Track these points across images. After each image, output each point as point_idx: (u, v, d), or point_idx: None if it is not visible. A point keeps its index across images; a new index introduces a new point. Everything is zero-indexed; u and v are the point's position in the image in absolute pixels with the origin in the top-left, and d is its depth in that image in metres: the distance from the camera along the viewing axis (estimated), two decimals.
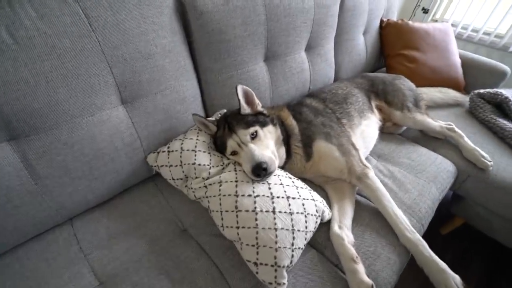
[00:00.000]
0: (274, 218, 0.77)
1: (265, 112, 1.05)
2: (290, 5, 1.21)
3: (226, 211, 0.82)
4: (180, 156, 0.95)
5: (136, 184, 1.08)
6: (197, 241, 0.90)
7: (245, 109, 1.00)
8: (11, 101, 0.69)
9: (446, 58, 1.86)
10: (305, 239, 0.81)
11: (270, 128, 1.01)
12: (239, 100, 0.97)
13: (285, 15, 1.20)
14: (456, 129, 1.40)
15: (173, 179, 0.98)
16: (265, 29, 1.17)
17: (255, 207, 0.79)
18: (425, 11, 2.68)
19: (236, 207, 0.80)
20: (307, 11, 1.30)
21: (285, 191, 0.85)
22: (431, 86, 1.77)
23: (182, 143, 0.98)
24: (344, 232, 0.91)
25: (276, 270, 0.73)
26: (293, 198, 0.84)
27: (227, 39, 1.07)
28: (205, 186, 0.90)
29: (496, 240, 1.42)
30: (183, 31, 1.01)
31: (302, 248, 0.80)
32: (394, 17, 2.11)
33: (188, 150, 0.96)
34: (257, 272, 0.75)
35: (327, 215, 0.92)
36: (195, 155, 0.95)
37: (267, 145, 0.95)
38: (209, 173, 0.92)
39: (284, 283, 0.73)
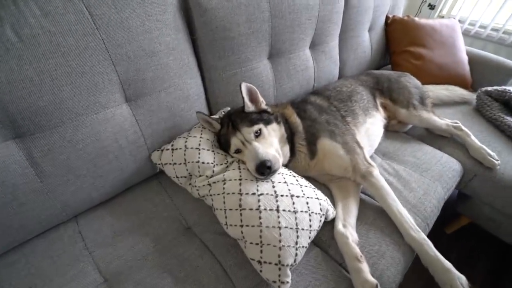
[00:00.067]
0: (278, 217, 0.77)
1: (269, 110, 1.05)
2: (295, 1, 1.20)
3: (230, 209, 0.82)
4: (184, 154, 0.95)
5: (140, 182, 1.08)
6: (201, 239, 0.91)
7: (249, 107, 1.00)
8: (16, 99, 0.69)
9: (453, 55, 1.83)
10: (309, 237, 0.81)
11: (274, 126, 1.00)
12: (243, 98, 0.97)
13: (289, 11, 1.19)
14: (463, 127, 1.38)
15: (177, 177, 0.98)
16: (269, 26, 1.16)
17: (259, 206, 0.79)
18: (432, 7, 2.63)
19: (240, 205, 0.80)
20: (312, 8, 1.28)
21: (289, 190, 0.84)
22: (437, 83, 1.75)
23: (186, 141, 0.98)
24: (349, 230, 0.91)
25: (280, 269, 0.72)
26: (297, 196, 0.83)
27: (231, 37, 1.06)
28: (209, 184, 0.90)
29: (501, 239, 1.41)
30: (187, 29, 1.01)
31: (306, 247, 0.79)
32: (399, 14, 2.08)
33: (192, 148, 0.96)
34: (261, 271, 0.75)
35: (331, 213, 0.91)
36: (199, 153, 0.95)
37: (271, 143, 0.95)
38: (213, 171, 0.92)
39: (287, 282, 0.73)
